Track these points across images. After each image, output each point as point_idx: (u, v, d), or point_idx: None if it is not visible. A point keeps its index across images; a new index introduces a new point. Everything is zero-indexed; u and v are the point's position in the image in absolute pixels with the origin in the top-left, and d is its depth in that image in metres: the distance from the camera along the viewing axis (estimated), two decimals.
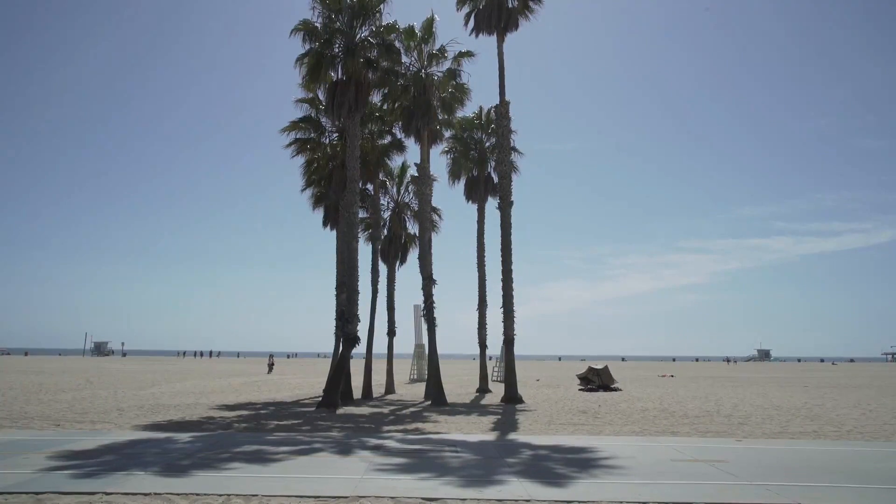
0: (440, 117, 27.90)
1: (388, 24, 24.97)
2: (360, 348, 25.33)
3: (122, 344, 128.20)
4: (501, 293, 25.28)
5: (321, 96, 26.98)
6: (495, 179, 28.73)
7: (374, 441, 13.53)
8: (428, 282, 25.57)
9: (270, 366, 58.53)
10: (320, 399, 22.92)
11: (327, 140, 29.02)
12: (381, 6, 24.46)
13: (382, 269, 31.48)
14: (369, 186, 30.99)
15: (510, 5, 26.02)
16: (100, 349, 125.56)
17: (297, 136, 28.28)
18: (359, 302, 23.89)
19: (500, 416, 19.42)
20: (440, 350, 26.12)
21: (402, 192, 33.26)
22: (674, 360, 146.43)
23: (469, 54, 27.25)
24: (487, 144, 32.90)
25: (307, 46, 24.03)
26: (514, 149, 30.24)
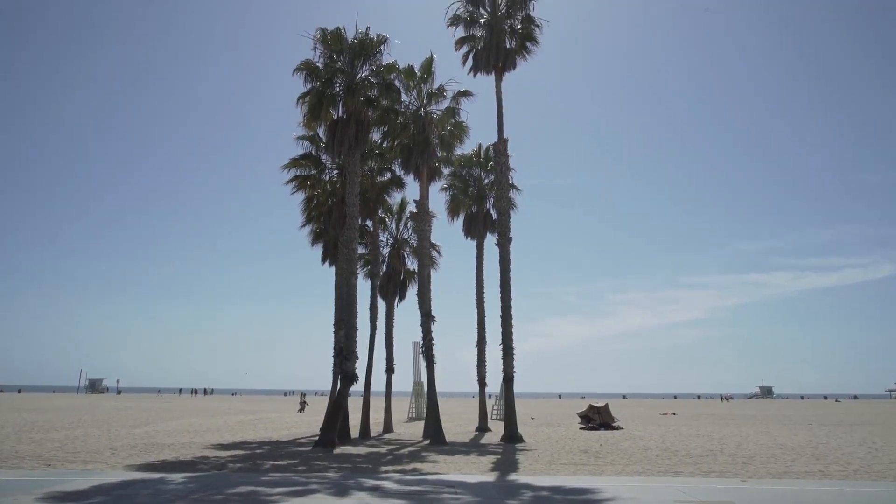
0: (439, 154, 28.20)
1: (388, 63, 25.46)
2: (358, 386, 25.06)
3: (118, 381, 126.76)
4: (501, 330, 25.13)
5: (321, 134, 27.31)
6: (494, 216, 28.87)
7: (371, 482, 13.25)
8: (427, 318, 25.44)
9: (303, 405, 55.52)
10: (317, 438, 22.54)
11: (327, 177, 29.26)
12: (382, 46, 24.99)
13: (381, 305, 31.38)
14: (368, 222, 31.10)
15: (508, 46, 26.54)
16: (94, 386, 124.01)
17: (298, 173, 28.53)
18: (357, 339, 23.71)
19: (499, 456, 19.07)
20: (439, 387, 25.83)
21: (401, 228, 33.39)
22: (675, 397, 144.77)
23: (467, 93, 27.73)
24: (486, 181, 33.17)
25: (308, 85, 24.43)
26: (513, 185, 30.50)
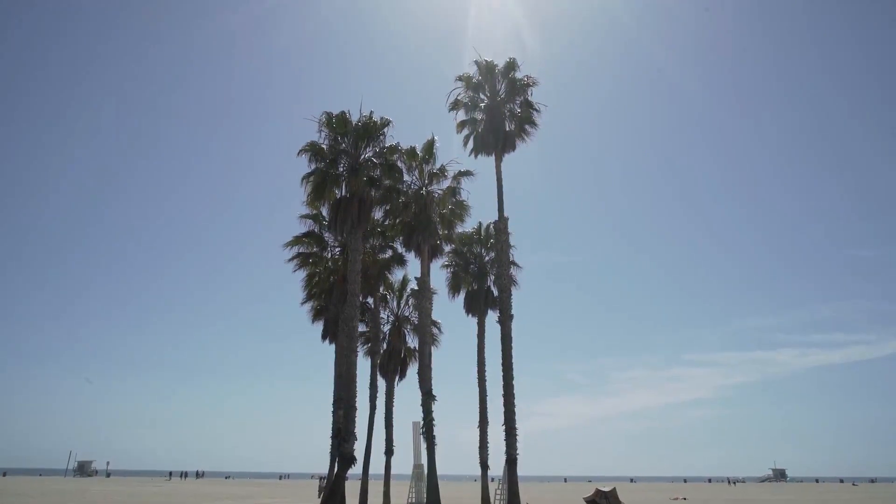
0: (440, 232, 28.56)
1: (391, 145, 26.34)
2: (356, 468, 24.26)
3: (107, 463, 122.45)
4: (503, 409, 24.59)
5: (325, 213, 27.81)
6: (495, 293, 28.90)
7: None
8: (427, 397, 24.96)
9: (321, 490, 51.64)
10: None
11: (329, 254, 29.55)
12: (385, 129, 25.92)
13: (381, 384, 30.83)
14: (369, 300, 31.09)
15: (507, 129, 27.47)
16: (83, 469, 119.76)
17: (300, 251, 28.84)
18: (356, 419, 23.19)
19: None
20: (440, 470, 25.01)
21: (402, 305, 33.31)
22: (685, 481, 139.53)
23: (468, 173, 28.44)
24: (487, 259, 33.39)
25: (313, 166, 25.16)
26: (514, 263, 30.69)
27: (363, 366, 32.74)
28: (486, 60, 28.18)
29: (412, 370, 31.24)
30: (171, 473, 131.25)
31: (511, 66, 28.04)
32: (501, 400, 24.75)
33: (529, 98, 27.95)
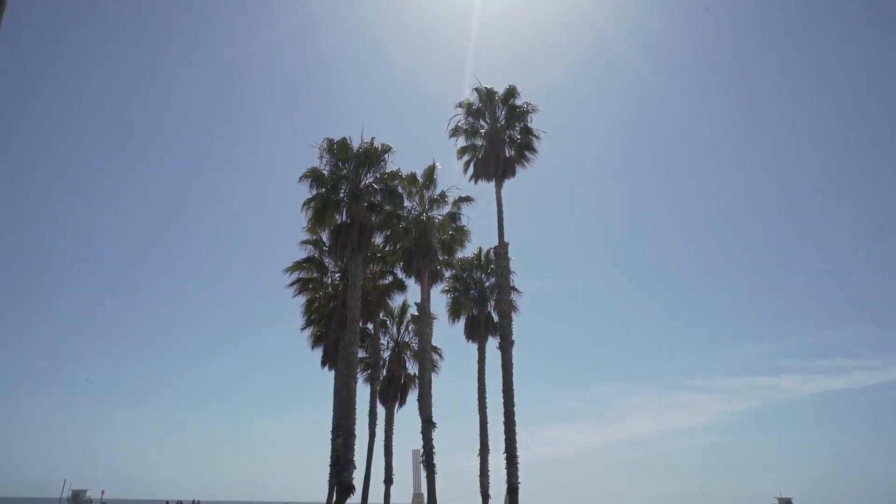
0: (440, 258, 28.52)
1: (391, 171, 26.47)
2: (355, 497, 23.85)
3: (102, 492, 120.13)
4: (504, 437, 24.28)
5: (325, 238, 27.81)
6: (495, 318, 28.74)
7: None
8: (427, 425, 24.67)
9: None
10: None
11: (329, 280, 29.46)
12: (386, 155, 26.07)
13: (380, 411, 30.48)
14: (369, 325, 30.90)
15: (507, 155, 27.62)
16: (77, 498, 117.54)
17: (300, 276, 28.75)
18: (355, 446, 22.88)
19: None
20: (440, 499, 24.61)
21: (402, 331, 33.07)
22: None
23: (468, 199, 28.50)
24: (487, 284, 33.27)
25: (314, 191, 25.24)
26: (514, 288, 30.57)
27: (362, 392, 32.43)
28: (486, 87, 28.47)
29: (412, 397, 30.92)
30: (167, 502, 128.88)
31: (511, 92, 28.31)
32: (502, 427, 24.47)
33: (529, 124, 28.18)
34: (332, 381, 28.04)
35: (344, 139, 26.21)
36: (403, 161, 32.91)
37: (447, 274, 31.59)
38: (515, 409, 24.58)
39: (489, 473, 29.15)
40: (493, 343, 29.15)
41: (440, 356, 32.60)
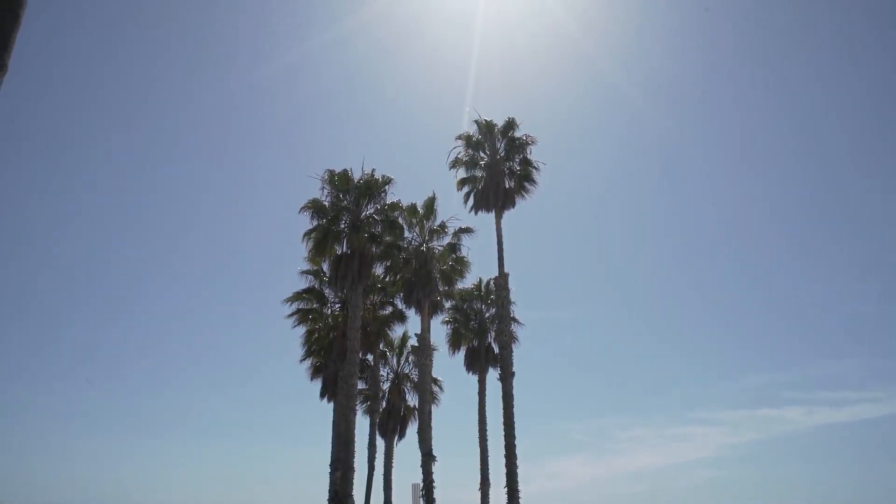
0: (441, 289, 28.51)
1: (392, 202, 26.67)
2: None
3: None
4: (505, 470, 23.96)
5: (325, 269, 27.86)
6: (496, 350, 28.62)
7: None
8: (427, 458, 24.37)
9: None
10: None
11: (329, 310, 29.41)
12: (387, 186, 26.30)
13: (380, 444, 30.10)
14: (369, 357, 30.73)
15: (507, 186, 27.84)
16: None
17: (300, 307, 28.69)
18: (354, 480, 22.57)
19: None
20: None
21: (402, 362, 32.85)
22: None
23: (468, 230, 28.62)
24: (487, 315, 33.17)
25: (315, 222, 25.39)
26: (514, 319, 30.51)
27: (362, 425, 32.06)
28: (485, 120, 28.83)
29: (412, 429, 30.56)
30: None
31: (510, 125, 28.68)
32: (503, 460, 24.16)
33: (528, 156, 28.45)
34: (331, 414, 27.78)
35: (345, 170, 26.48)
36: (404, 192, 33.18)
37: (447, 305, 31.56)
38: (516, 442, 24.33)
39: None
40: (493, 374, 28.98)
41: (440, 388, 32.35)
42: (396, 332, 31.34)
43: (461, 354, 32.86)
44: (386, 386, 32.15)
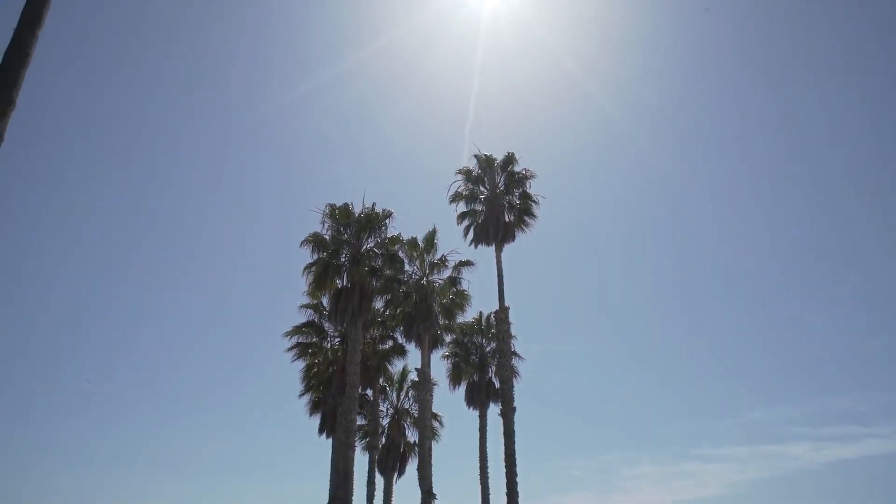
0: (441, 322, 28.39)
1: (392, 235, 26.75)
2: None
3: None
4: None
5: (325, 302, 27.78)
6: (497, 384, 28.35)
7: None
8: (427, 496, 23.93)
9: None
10: None
11: (329, 344, 29.22)
12: (388, 220, 26.43)
13: (379, 481, 29.54)
14: (369, 391, 30.40)
15: (507, 220, 27.99)
16: None
17: (300, 341, 28.51)
18: None
19: None
20: None
21: (401, 397, 32.47)
22: None
23: (468, 263, 28.63)
24: (488, 349, 32.95)
25: (315, 256, 25.42)
26: (515, 353, 30.31)
27: (360, 461, 31.53)
28: (485, 154, 29.15)
29: (411, 466, 30.05)
30: None
31: (510, 159, 28.97)
32: (505, 498, 23.70)
33: (528, 190, 28.70)
34: (330, 450, 27.33)
35: (346, 204, 26.64)
36: (404, 226, 33.31)
37: (448, 339, 31.38)
38: (518, 479, 23.89)
39: None
40: (494, 409, 28.66)
41: (440, 423, 31.91)
42: (396, 366, 31.09)
43: (461, 389, 32.53)
44: (385, 421, 31.73)
